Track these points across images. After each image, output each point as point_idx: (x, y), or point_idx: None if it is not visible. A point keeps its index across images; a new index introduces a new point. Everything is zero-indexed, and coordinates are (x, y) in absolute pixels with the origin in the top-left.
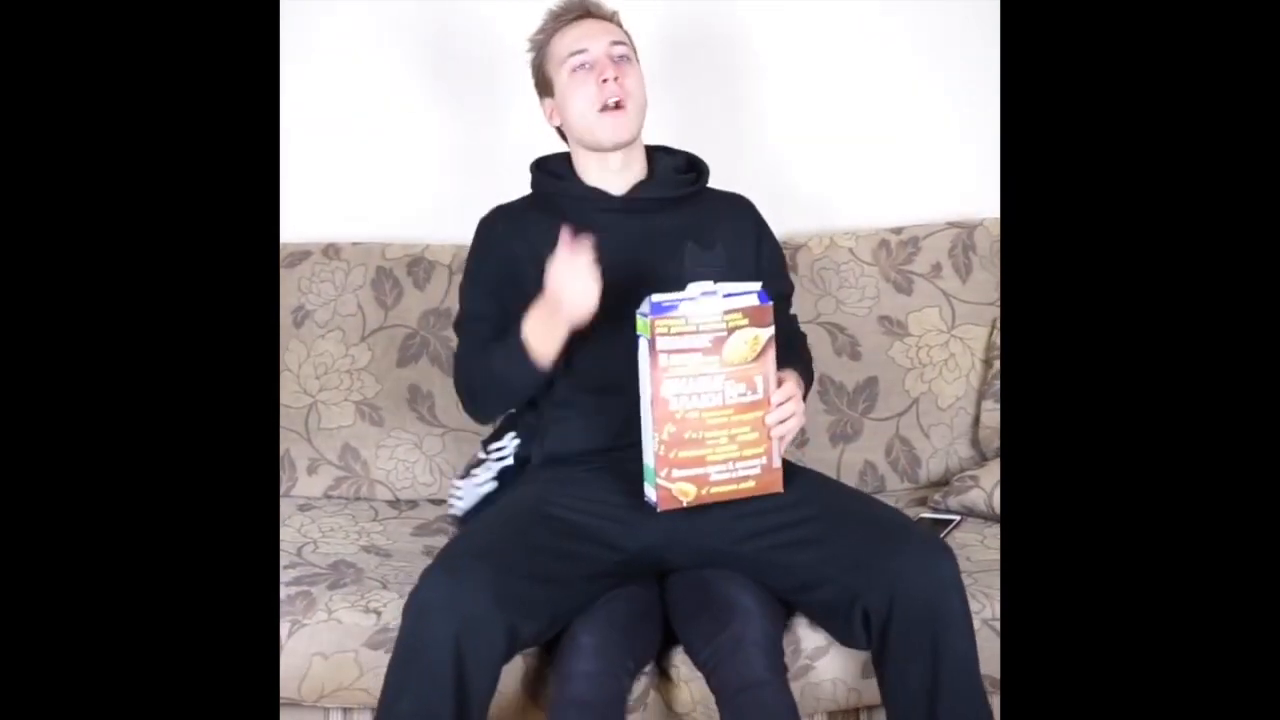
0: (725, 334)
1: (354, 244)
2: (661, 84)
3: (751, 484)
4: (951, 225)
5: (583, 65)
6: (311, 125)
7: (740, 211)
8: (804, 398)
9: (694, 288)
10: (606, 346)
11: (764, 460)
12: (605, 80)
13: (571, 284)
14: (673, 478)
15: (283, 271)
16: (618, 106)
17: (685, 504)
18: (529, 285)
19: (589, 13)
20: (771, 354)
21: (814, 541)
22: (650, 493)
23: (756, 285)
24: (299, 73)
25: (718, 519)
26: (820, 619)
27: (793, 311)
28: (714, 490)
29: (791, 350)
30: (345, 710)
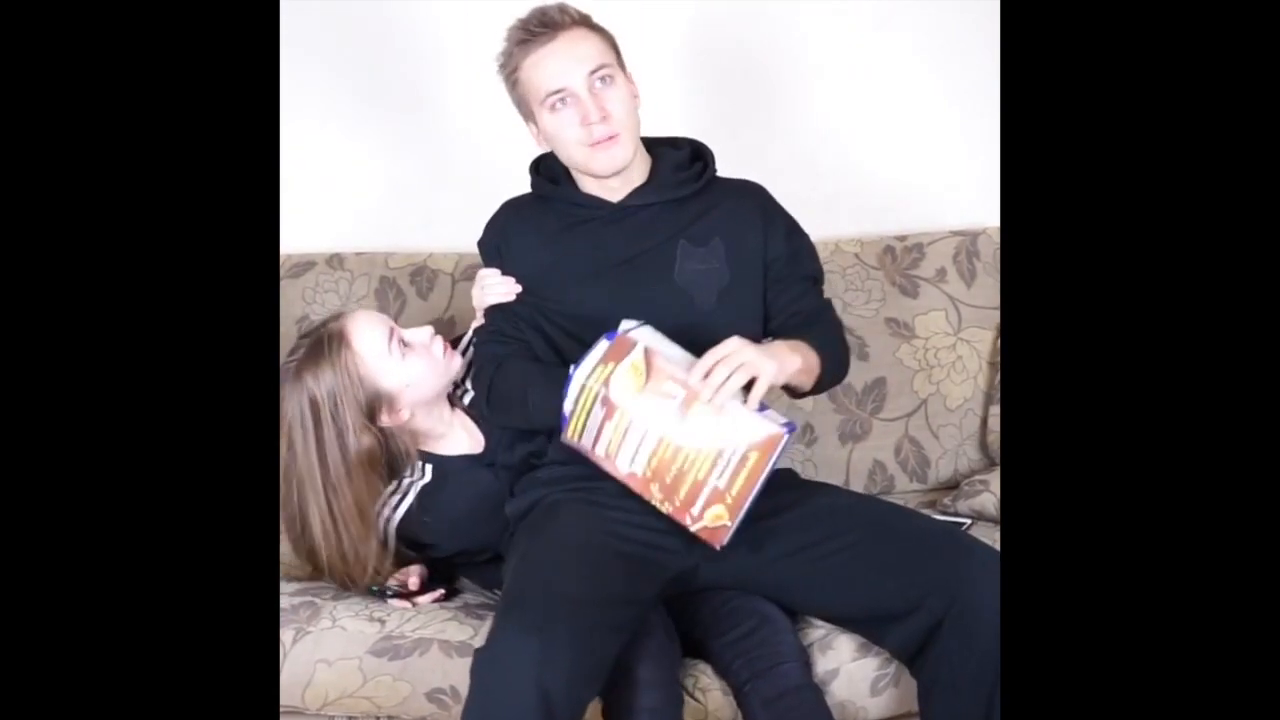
0: (605, 388)
1: (357, 254)
2: (666, 86)
3: (756, 454)
4: (955, 233)
5: (563, 101)
6: (314, 135)
7: (745, 200)
8: (825, 372)
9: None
10: None
11: (739, 426)
12: (590, 124)
13: None
14: (699, 516)
15: (287, 282)
16: (609, 139)
17: (733, 524)
18: (547, 281)
19: (555, 25)
20: (659, 359)
21: (851, 553)
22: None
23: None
24: (301, 80)
25: (749, 542)
26: (855, 625)
27: (827, 297)
28: (735, 492)
29: (812, 327)
30: None
